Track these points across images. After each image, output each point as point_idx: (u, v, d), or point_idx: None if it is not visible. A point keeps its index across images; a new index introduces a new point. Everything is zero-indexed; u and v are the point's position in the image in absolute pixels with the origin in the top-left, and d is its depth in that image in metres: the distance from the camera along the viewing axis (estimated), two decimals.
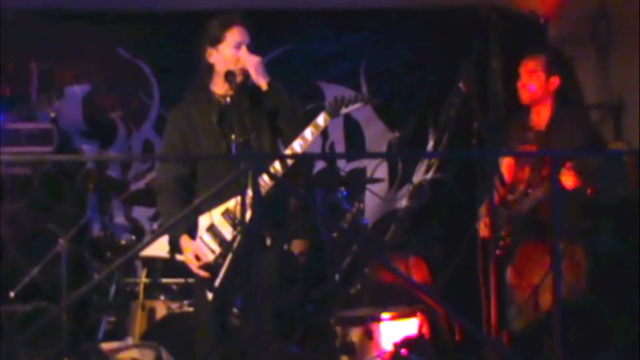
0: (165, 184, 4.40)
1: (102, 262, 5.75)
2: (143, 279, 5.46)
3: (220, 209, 4.26)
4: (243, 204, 4.00)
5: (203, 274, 4.26)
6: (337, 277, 5.35)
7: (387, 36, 6.45)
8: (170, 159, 4.53)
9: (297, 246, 5.69)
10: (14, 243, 5.72)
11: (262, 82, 4.31)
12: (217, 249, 4.26)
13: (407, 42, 6.47)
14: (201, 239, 4.28)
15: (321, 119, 4.24)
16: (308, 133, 4.26)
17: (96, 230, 6.12)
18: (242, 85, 4.36)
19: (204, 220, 4.28)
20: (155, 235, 4.17)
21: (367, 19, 6.39)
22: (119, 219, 6.25)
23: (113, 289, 5.61)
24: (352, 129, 6.45)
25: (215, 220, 4.28)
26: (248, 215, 4.15)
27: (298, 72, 6.40)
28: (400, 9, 6.35)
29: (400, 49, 6.48)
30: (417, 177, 6.41)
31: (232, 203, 4.25)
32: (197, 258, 4.26)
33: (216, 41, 4.40)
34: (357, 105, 4.27)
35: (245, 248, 4.19)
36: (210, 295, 4.26)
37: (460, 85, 5.03)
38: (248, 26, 4.40)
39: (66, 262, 5.23)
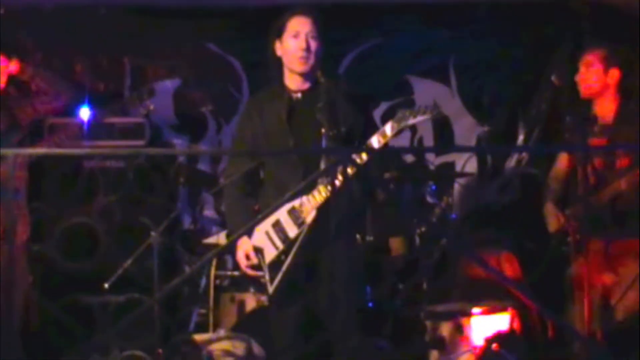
0: (233, 175, 4.44)
1: (192, 255, 5.82)
2: (213, 270, 5.51)
3: (287, 206, 4.28)
4: (333, 195, 4.02)
5: (251, 272, 4.30)
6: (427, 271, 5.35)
7: (477, 30, 6.38)
8: (258, 153, 4.55)
9: (394, 245, 5.67)
10: (107, 235, 5.84)
11: None
12: (281, 246, 4.29)
13: (496, 35, 6.40)
14: (267, 233, 4.30)
15: (388, 128, 4.21)
16: (374, 141, 4.23)
17: (187, 223, 6.21)
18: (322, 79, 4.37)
19: (270, 216, 4.30)
20: (246, 229, 4.19)
21: (457, 12, 6.32)
22: (209, 212, 6.32)
23: (203, 281, 5.68)
24: (441, 123, 6.40)
25: (282, 217, 4.30)
26: (313, 215, 4.21)
27: (387, 66, 6.39)
28: (490, 2, 6.26)
29: (489, 43, 6.41)
30: (508, 172, 6.34)
31: (298, 202, 4.27)
32: (247, 257, 4.30)
33: (280, 32, 4.41)
34: (426, 116, 4.24)
35: (319, 243, 4.23)
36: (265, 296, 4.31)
37: (553, 78, 4.98)
38: (313, 17, 4.38)
39: (158, 255, 5.32)
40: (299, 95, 4.43)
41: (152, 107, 5.64)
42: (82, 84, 6.15)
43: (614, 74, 4.80)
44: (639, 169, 4.62)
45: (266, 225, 4.28)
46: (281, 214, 4.28)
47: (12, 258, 3.93)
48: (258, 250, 4.31)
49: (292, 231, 4.28)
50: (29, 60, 5.58)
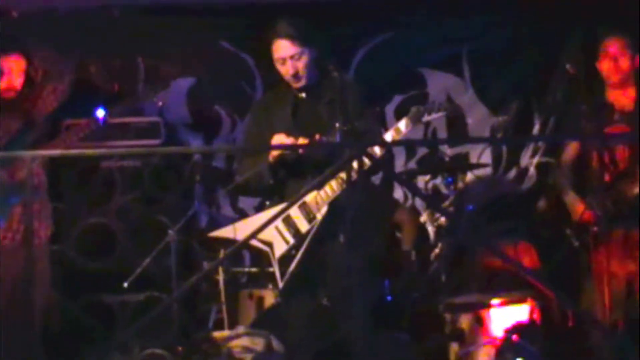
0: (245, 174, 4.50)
1: (209, 252, 5.82)
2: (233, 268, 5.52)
3: (298, 202, 4.31)
4: (349, 191, 4.03)
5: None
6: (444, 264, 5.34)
7: (489, 20, 6.35)
8: (273, 148, 4.58)
9: (406, 235, 5.65)
10: (125, 235, 5.86)
11: None
12: (291, 240, 4.30)
13: (509, 25, 6.35)
14: (277, 228, 4.32)
15: (402, 125, 4.30)
16: (388, 137, 4.28)
17: (204, 221, 6.22)
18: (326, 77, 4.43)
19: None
20: (266, 224, 4.20)
21: (469, 3, 6.29)
22: (226, 210, 6.34)
23: (222, 278, 5.68)
24: (455, 115, 6.36)
25: (292, 212, 4.32)
26: (324, 209, 4.24)
27: (399, 60, 6.36)
28: None
29: (502, 32, 6.36)
30: (523, 161, 6.32)
31: (310, 197, 4.29)
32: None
33: (271, 52, 4.54)
34: (439, 114, 4.30)
35: (330, 238, 4.24)
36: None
37: (567, 66, 4.97)
38: (292, 37, 4.47)
39: (175, 253, 5.34)
40: (304, 94, 4.50)
41: (167, 100, 5.69)
42: (96, 85, 6.19)
43: (637, 60, 4.83)
44: None
45: (276, 220, 4.30)
46: (292, 209, 4.31)
47: (30, 258, 3.95)
48: (268, 245, 4.34)
49: (303, 226, 4.30)
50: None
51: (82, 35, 6.29)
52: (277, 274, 4.37)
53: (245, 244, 4.41)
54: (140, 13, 6.31)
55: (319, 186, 4.36)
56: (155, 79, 6.24)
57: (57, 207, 5.62)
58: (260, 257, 5.50)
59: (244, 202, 6.31)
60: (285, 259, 4.35)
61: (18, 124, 5.10)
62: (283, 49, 4.51)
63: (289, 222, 4.37)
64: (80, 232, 5.86)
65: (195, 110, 6.42)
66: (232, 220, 6.10)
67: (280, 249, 4.37)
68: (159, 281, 5.61)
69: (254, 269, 5.56)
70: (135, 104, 5.66)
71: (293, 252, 4.34)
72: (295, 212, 4.36)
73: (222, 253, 5.20)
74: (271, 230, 4.34)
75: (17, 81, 5.08)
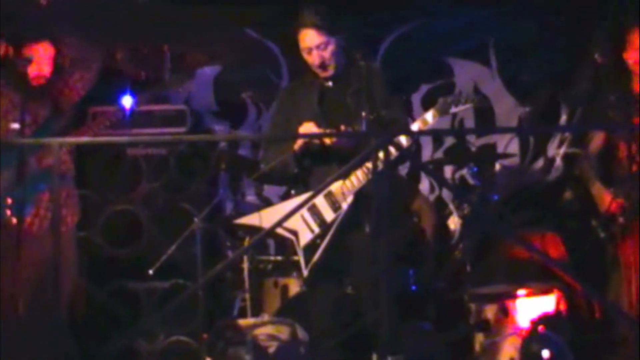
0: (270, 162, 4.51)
1: (235, 240, 5.84)
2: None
3: (324, 190, 4.30)
4: (375, 181, 4.02)
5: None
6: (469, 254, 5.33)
7: (517, 9, 6.30)
8: (299, 136, 4.58)
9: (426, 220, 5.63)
10: (151, 222, 5.89)
11: None
12: (317, 229, 4.31)
13: (536, 14, 6.31)
14: (302, 217, 4.33)
15: (429, 116, 4.29)
16: (415, 127, 4.29)
17: (229, 209, 6.23)
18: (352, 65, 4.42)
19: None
20: (290, 214, 4.21)
21: None
22: (251, 198, 6.35)
23: (247, 266, 5.69)
24: (482, 105, 6.33)
25: (318, 201, 4.32)
26: (350, 199, 4.24)
27: (426, 49, 6.34)
28: None
29: (529, 22, 6.32)
30: (550, 152, 6.28)
31: (335, 186, 4.29)
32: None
33: (298, 42, 4.52)
34: (467, 105, 4.29)
35: (356, 227, 4.25)
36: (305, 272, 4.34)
37: (596, 56, 4.92)
38: (316, 26, 4.44)
39: (201, 241, 5.35)
40: (330, 83, 4.49)
41: (192, 88, 5.68)
42: (122, 72, 6.21)
43: None
44: None
45: (302, 208, 4.30)
46: (317, 198, 4.31)
47: (57, 245, 3.97)
48: (293, 233, 4.35)
49: (328, 215, 4.30)
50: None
51: (109, 23, 6.30)
52: (302, 263, 4.37)
53: (271, 232, 4.41)
54: (165, 1, 6.31)
55: (345, 175, 4.35)
56: (182, 67, 6.26)
57: (83, 194, 5.65)
58: (285, 246, 5.54)
59: (269, 190, 6.32)
60: (310, 248, 4.36)
61: (46, 111, 5.12)
62: (309, 38, 4.49)
63: (314, 211, 4.37)
64: (106, 220, 5.89)
65: (221, 98, 6.44)
66: (257, 208, 6.14)
67: (305, 237, 4.37)
68: (184, 268, 5.63)
69: (279, 258, 5.58)
70: (162, 91, 5.66)
71: (318, 241, 4.34)
72: (320, 201, 4.37)
73: (247, 241, 5.22)
74: (296, 218, 4.35)
75: (46, 69, 5.09)
